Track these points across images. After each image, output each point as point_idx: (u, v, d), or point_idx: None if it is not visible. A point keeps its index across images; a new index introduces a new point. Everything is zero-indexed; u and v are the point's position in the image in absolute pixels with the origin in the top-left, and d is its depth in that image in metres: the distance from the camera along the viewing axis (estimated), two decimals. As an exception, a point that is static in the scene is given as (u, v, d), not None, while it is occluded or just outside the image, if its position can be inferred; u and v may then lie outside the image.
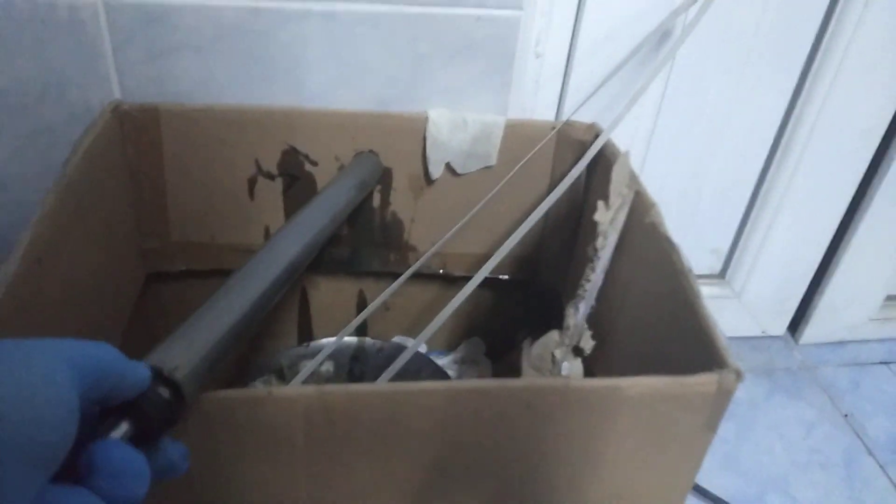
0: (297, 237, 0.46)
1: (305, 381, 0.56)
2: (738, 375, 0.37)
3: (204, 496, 0.36)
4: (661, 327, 0.45)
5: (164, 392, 0.30)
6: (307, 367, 0.56)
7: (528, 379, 0.41)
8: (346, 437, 0.35)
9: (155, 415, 0.29)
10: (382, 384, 0.34)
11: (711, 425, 0.38)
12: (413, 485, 0.37)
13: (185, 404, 0.31)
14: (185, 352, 0.33)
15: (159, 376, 0.30)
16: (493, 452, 0.37)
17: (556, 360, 0.41)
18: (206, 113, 0.55)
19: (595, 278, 0.44)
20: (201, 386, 0.33)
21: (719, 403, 0.37)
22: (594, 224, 0.46)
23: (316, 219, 0.48)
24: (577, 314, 0.43)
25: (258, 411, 0.34)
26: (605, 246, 0.43)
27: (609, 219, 0.44)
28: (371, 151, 0.58)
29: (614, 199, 0.45)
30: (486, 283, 0.46)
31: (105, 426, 0.28)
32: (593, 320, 0.52)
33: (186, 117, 0.54)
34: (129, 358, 0.29)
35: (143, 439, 0.29)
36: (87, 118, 0.53)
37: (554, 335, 0.42)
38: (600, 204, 0.45)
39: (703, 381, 0.37)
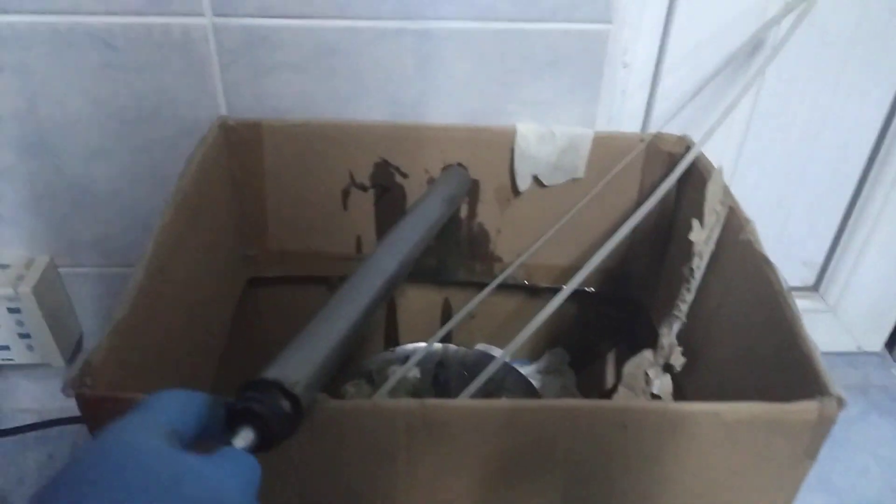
0: (394, 253, 0.47)
1: (393, 387, 0.58)
2: (840, 403, 0.36)
3: (303, 501, 0.38)
4: (758, 348, 0.44)
5: (286, 405, 0.32)
6: (397, 373, 0.58)
7: (626, 400, 0.41)
8: (445, 450, 0.36)
9: (277, 426, 0.31)
10: (481, 400, 0.35)
11: (811, 453, 0.37)
12: (507, 499, 0.38)
13: (303, 416, 0.33)
14: (301, 366, 0.34)
15: (281, 390, 0.32)
16: (588, 471, 0.38)
17: (650, 379, 0.41)
18: (304, 128, 0.57)
19: (690, 297, 0.43)
20: (314, 398, 0.34)
21: (820, 431, 0.37)
22: (687, 241, 0.46)
23: (410, 234, 0.50)
24: (671, 333, 0.42)
25: (363, 421, 0.36)
26: (701, 266, 0.43)
27: (704, 238, 0.43)
28: (460, 165, 0.59)
29: (708, 217, 0.45)
30: (572, 294, 0.46)
31: (231, 433, 0.30)
32: (683, 336, 0.51)
33: (286, 132, 0.57)
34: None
35: (261, 447, 0.31)
36: (195, 132, 0.57)
37: (647, 354, 0.42)
38: (695, 223, 0.45)
39: (804, 409, 0.36)
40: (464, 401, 0.35)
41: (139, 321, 0.40)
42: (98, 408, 0.35)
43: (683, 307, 0.43)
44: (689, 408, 0.36)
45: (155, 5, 0.53)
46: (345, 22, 0.55)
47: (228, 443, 0.29)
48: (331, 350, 0.38)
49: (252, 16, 0.54)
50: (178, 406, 0.29)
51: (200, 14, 0.54)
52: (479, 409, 0.35)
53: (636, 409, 0.36)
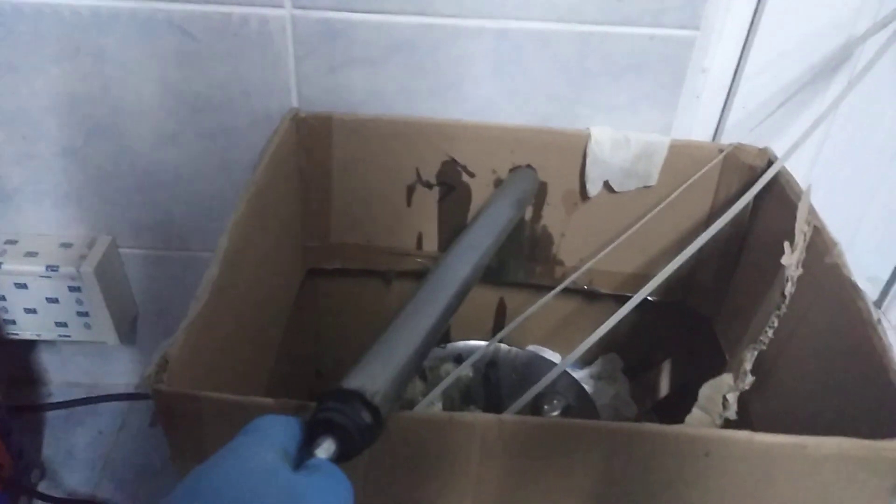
0: (466, 259, 0.47)
1: (448, 388, 0.58)
2: (934, 443, 0.35)
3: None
4: (840, 378, 0.43)
5: (367, 416, 0.32)
6: (451, 374, 0.58)
7: (710, 429, 0.40)
8: (518, 466, 0.36)
9: (358, 437, 0.31)
10: (560, 419, 0.35)
11: (897, 491, 0.36)
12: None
13: (382, 427, 0.33)
14: (380, 376, 0.34)
15: (362, 400, 0.32)
16: (663, 496, 0.37)
17: (728, 404, 0.40)
18: (374, 123, 0.56)
19: (776, 324, 0.42)
20: (393, 408, 0.34)
21: (910, 471, 0.35)
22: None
23: (483, 239, 0.49)
24: (752, 359, 0.41)
25: (438, 433, 0.35)
26: (792, 290, 0.42)
27: (796, 261, 0.42)
28: (529, 166, 0.58)
29: (798, 238, 0.43)
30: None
31: (314, 445, 0.30)
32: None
33: (356, 126, 0.56)
34: None
35: (342, 458, 0.30)
36: (266, 123, 0.57)
37: (727, 378, 0.41)
38: (787, 246, 0.43)
39: (895, 447, 0.35)
40: (541, 419, 0.34)
41: (212, 315, 0.40)
42: (173, 404, 0.35)
43: (770, 332, 0.42)
44: (774, 439, 0.35)
45: (250, -7, 0.53)
46: (424, 18, 0.54)
47: (311, 454, 0.29)
48: (408, 359, 0.38)
49: (331, 9, 0.53)
50: (282, 428, 0.29)
51: (280, 6, 0.53)
52: (556, 427, 0.35)
53: (720, 437, 0.35)
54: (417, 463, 0.36)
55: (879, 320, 0.41)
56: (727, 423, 0.44)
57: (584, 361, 0.71)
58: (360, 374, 0.34)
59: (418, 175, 0.59)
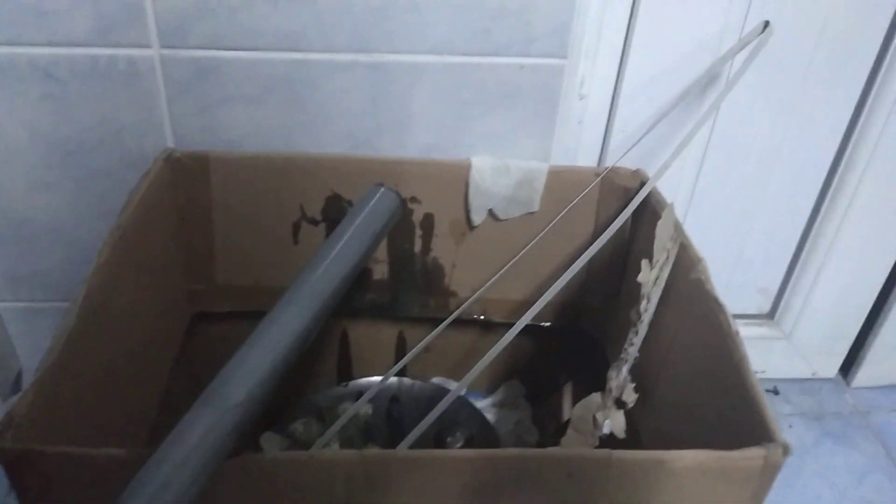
0: (299, 315, 0.42)
1: (344, 425, 0.57)
2: (786, 450, 0.36)
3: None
4: (706, 389, 0.44)
5: None
6: (347, 412, 0.57)
7: (571, 448, 0.40)
8: (385, 501, 0.35)
9: None
10: (421, 451, 0.35)
11: (757, 499, 0.37)
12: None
13: None
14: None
15: None
16: (532, 521, 0.37)
17: (598, 423, 0.41)
18: (253, 160, 0.56)
19: (638, 339, 0.43)
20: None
21: (766, 478, 0.37)
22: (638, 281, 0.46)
23: (321, 287, 0.45)
24: (620, 376, 0.42)
25: (300, 473, 0.34)
26: (649, 307, 0.43)
27: (654, 278, 0.43)
28: (385, 186, 0.55)
29: (658, 255, 0.45)
30: (527, 328, 0.46)
31: None
32: (637, 371, 0.51)
33: (235, 164, 0.56)
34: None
35: None
36: (142, 164, 0.55)
37: (596, 398, 0.42)
38: (644, 264, 0.45)
39: (750, 457, 0.36)
40: (404, 452, 0.34)
41: (71, 368, 0.39)
42: (20, 461, 0.34)
43: (631, 350, 0.43)
44: (634, 456, 0.36)
45: (100, 37, 0.52)
46: (297, 55, 0.54)
47: None
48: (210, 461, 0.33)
49: (201, 48, 0.53)
50: None
51: (147, 46, 0.53)
52: (419, 460, 0.35)
53: (582, 457, 0.36)
54: (283, 503, 0.35)
55: (738, 332, 0.43)
56: (618, 443, 0.45)
57: (488, 390, 0.71)
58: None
59: (303, 211, 0.58)
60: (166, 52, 0.53)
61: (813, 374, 0.86)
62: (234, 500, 0.35)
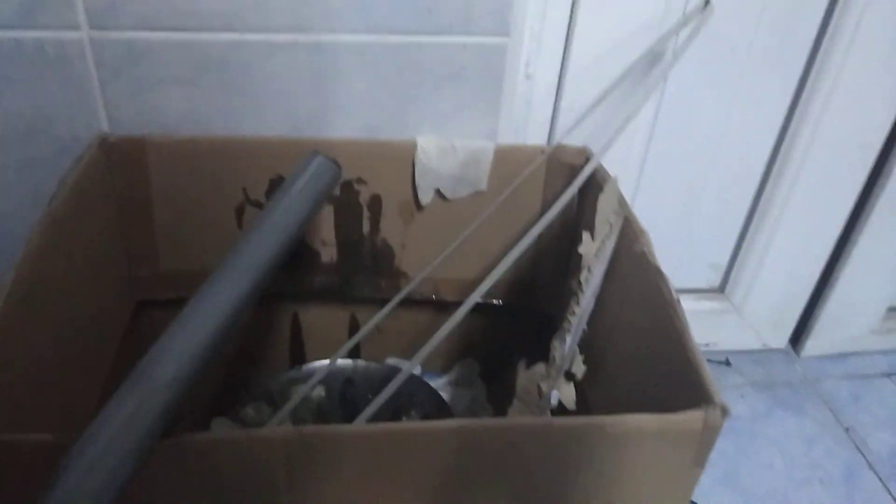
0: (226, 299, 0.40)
1: (297, 408, 0.56)
2: (725, 412, 0.36)
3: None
4: (651, 357, 0.45)
5: None
6: (297, 394, 0.56)
7: (512, 418, 0.40)
8: (327, 477, 0.35)
9: None
10: (361, 426, 0.34)
11: (699, 461, 0.38)
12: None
13: None
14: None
15: None
16: (477, 490, 0.37)
17: (543, 393, 0.41)
18: (192, 144, 0.55)
19: (581, 310, 0.43)
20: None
21: (706, 440, 0.37)
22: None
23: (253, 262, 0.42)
24: (564, 346, 0.42)
25: (239, 452, 0.34)
26: (591, 278, 0.43)
27: (595, 250, 0.43)
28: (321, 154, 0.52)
29: (601, 228, 0.45)
30: (480, 307, 0.46)
31: None
32: (586, 344, 0.51)
33: (173, 148, 0.55)
34: None
35: None
36: (77, 150, 0.53)
37: (540, 368, 0.42)
38: (585, 235, 0.45)
39: (689, 419, 0.36)
40: (343, 426, 0.34)
41: (2, 357, 0.37)
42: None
43: (573, 319, 0.43)
44: (574, 422, 0.36)
45: (26, 18, 0.50)
46: (232, 35, 0.53)
47: None
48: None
49: (132, 28, 0.52)
50: None
51: (76, 27, 0.51)
52: (359, 434, 0.34)
53: (522, 426, 0.36)
54: (222, 485, 0.35)
55: (678, 300, 0.43)
56: (569, 415, 0.45)
57: (443, 369, 0.71)
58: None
59: (246, 195, 0.57)
60: (96, 33, 0.51)
61: (763, 346, 0.88)
62: (174, 482, 0.34)
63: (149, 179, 0.55)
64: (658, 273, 0.45)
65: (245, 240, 0.43)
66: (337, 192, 0.58)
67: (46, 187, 0.57)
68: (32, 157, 0.56)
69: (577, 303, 0.43)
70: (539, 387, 0.41)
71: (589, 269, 0.44)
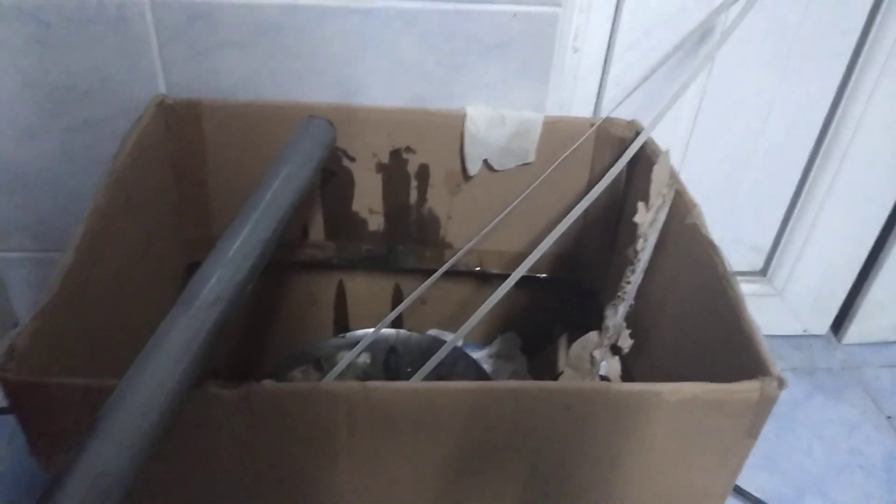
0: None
1: (343, 372, 0.57)
2: (781, 383, 0.36)
3: (250, 483, 0.37)
4: (703, 330, 0.44)
5: None
6: (345, 358, 0.57)
7: (569, 381, 0.41)
8: (385, 431, 0.36)
9: None
10: (422, 383, 0.35)
11: (753, 432, 0.38)
12: (447, 479, 0.38)
13: None
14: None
15: None
16: (530, 452, 0.37)
17: (595, 360, 0.41)
18: (246, 108, 0.55)
19: (635, 280, 0.43)
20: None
21: (761, 411, 0.37)
22: (634, 225, 0.46)
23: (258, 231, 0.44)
24: (616, 315, 0.42)
25: (305, 404, 0.35)
26: (645, 248, 0.43)
27: (649, 220, 0.43)
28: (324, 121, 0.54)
29: (654, 200, 0.45)
30: (523, 280, 0.46)
31: None
32: (632, 319, 0.51)
33: (228, 112, 0.55)
34: None
35: None
36: (133, 112, 0.54)
37: (593, 336, 0.42)
38: (640, 205, 0.45)
39: (746, 389, 0.36)
40: (404, 383, 0.34)
41: (68, 306, 0.39)
42: (22, 393, 0.34)
43: (628, 288, 0.43)
44: (631, 388, 0.36)
45: (89, -20, 0.51)
46: (288, 0, 0.53)
47: None
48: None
49: (192, -8, 0.52)
50: None
51: (137, -11, 0.52)
52: (420, 392, 0.35)
53: (579, 390, 0.36)
54: (286, 434, 0.36)
55: (733, 273, 0.43)
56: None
57: (484, 342, 0.72)
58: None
59: (297, 161, 0.58)
60: (157, -4, 0.52)
61: (804, 331, 0.87)
62: (239, 432, 0.35)
63: (203, 142, 0.56)
64: (711, 245, 0.45)
65: (265, 186, 0.47)
66: (385, 159, 0.59)
67: (102, 147, 0.59)
68: (91, 118, 0.57)
69: (633, 272, 0.43)
70: (592, 355, 0.41)
71: (644, 239, 0.44)
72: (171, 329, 0.35)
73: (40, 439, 0.35)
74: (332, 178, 0.59)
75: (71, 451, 0.29)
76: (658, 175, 0.47)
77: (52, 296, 0.38)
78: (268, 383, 0.34)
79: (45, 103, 0.56)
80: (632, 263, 0.43)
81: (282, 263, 0.63)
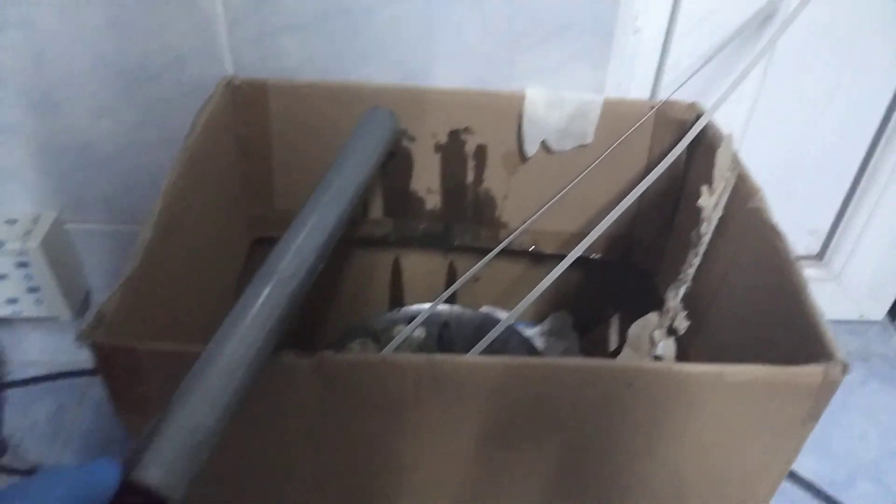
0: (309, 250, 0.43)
1: (399, 346, 0.59)
2: (845, 368, 0.37)
3: (321, 444, 0.39)
4: (764, 314, 0.44)
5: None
6: (402, 332, 0.58)
7: (631, 360, 0.41)
8: (450, 403, 0.37)
9: None
10: (488, 357, 0.36)
11: (814, 416, 0.38)
12: (509, 452, 0.39)
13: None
14: (180, 462, 0.29)
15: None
16: (590, 428, 0.38)
17: (655, 341, 0.41)
18: (310, 88, 0.57)
19: (696, 262, 0.44)
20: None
21: (823, 395, 0.37)
22: (696, 208, 0.46)
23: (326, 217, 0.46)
24: (677, 297, 0.43)
25: (374, 374, 0.36)
26: (708, 231, 0.43)
27: (713, 204, 0.43)
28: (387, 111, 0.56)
29: (718, 184, 0.45)
30: (577, 260, 0.46)
31: None
32: (688, 301, 0.51)
33: (293, 93, 0.57)
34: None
35: None
36: (202, 92, 0.56)
37: (653, 317, 0.42)
38: (704, 189, 0.45)
39: (809, 373, 0.36)
40: (469, 356, 0.35)
41: (149, 276, 0.41)
42: (111, 357, 0.36)
43: (690, 271, 0.43)
44: (693, 368, 0.37)
45: (160, -40, 0.53)
46: (354, -20, 0.54)
47: None
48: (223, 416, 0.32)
49: (259, -27, 0.53)
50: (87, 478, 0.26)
51: (207, -29, 0.53)
52: (485, 365, 0.36)
53: (641, 368, 0.36)
54: (355, 403, 0.37)
55: (797, 258, 0.43)
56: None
57: (536, 320, 0.73)
58: (159, 456, 0.29)
59: (359, 140, 0.59)
60: (226, -22, 0.54)
61: (861, 317, 0.86)
62: (312, 398, 0.37)
63: (269, 121, 0.57)
64: (774, 230, 0.45)
65: (334, 171, 0.49)
66: (444, 139, 0.59)
67: (172, 126, 0.61)
68: (162, 97, 0.59)
69: (696, 255, 0.44)
70: (651, 336, 0.42)
71: (709, 222, 0.44)
72: (254, 299, 0.36)
73: (124, 401, 0.38)
74: (391, 158, 0.60)
75: (154, 412, 0.30)
76: (721, 158, 0.47)
77: (135, 267, 0.40)
78: (344, 354, 0.35)
79: (119, 82, 0.58)
80: (695, 246, 0.43)
81: (342, 239, 0.64)
